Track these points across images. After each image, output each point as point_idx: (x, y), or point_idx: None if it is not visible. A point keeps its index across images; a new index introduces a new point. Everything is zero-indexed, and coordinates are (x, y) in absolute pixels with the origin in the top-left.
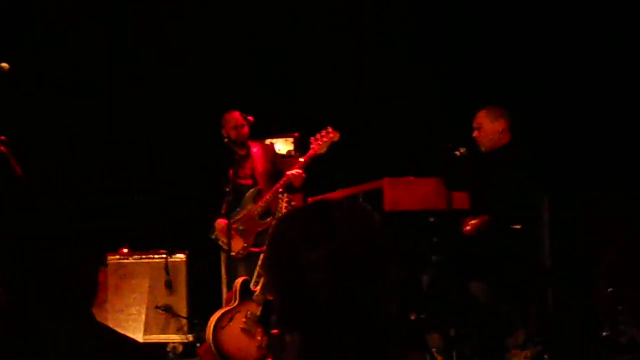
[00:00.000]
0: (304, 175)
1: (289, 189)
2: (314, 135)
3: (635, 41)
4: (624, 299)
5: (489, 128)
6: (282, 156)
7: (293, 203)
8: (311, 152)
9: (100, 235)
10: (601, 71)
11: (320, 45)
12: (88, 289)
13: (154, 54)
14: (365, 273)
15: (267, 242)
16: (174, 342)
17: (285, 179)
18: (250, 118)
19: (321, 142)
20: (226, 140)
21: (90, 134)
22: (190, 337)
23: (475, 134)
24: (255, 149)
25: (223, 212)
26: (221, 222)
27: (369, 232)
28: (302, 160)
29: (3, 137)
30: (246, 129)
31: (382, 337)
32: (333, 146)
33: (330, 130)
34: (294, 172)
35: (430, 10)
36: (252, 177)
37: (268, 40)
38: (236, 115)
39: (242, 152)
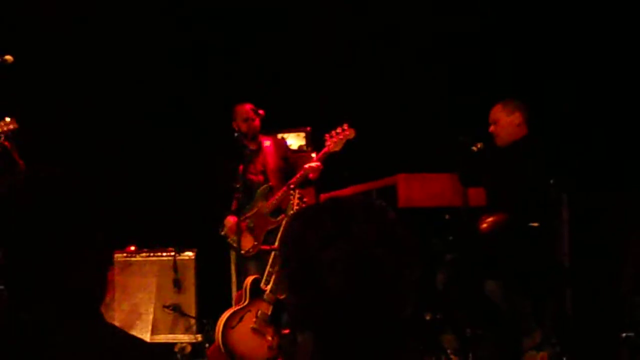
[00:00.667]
0: (322, 167)
1: (301, 185)
2: (326, 129)
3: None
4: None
5: (505, 122)
6: (294, 151)
7: (305, 199)
8: (326, 149)
9: (108, 232)
10: (621, 68)
11: (333, 39)
12: (95, 287)
13: (164, 45)
14: (381, 272)
15: (279, 240)
16: (182, 342)
17: (302, 172)
18: (261, 112)
19: (336, 139)
20: (236, 134)
21: (97, 128)
22: (199, 337)
23: (492, 128)
24: (267, 143)
25: (233, 208)
26: (231, 220)
27: (385, 230)
28: (314, 156)
29: (13, 124)
30: (257, 122)
31: (396, 337)
32: (346, 143)
33: (346, 127)
34: (312, 164)
35: (444, 3)
36: (263, 172)
37: (280, 33)
38: (247, 107)
39: (253, 147)
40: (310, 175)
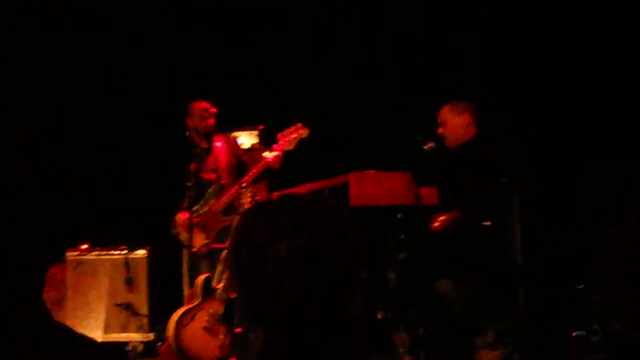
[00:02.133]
0: (281, 155)
1: (253, 181)
2: (279, 127)
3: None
4: (598, 297)
5: (453, 123)
6: (247, 150)
7: (257, 198)
8: (278, 147)
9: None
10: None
11: (286, 37)
12: None
13: (116, 42)
14: (331, 270)
15: (231, 236)
16: (134, 341)
17: (255, 169)
18: (214, 110)
19: (289, 137)
20: (188, 132)
21: (46, 126)
22: (151, 336)
23: (440, 130)
24: (218, 142)
25: (184, 207)
26: (182, 217)
27: (337, 228)
28: (267, 154)
29: None
30: (212, 120)
31: (347, 336)
32: (299, 142)
33: (299, 126)
34: (273, 153)
35: (396, 4)
36: (215, 171)
37: (233, 31)
38: (203, 105)
39: (204, 145)
40: (274, 166)
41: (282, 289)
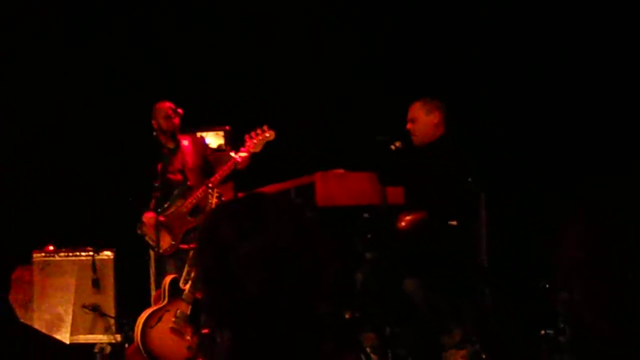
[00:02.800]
0: (249, 157)
1: (222, 182)
2: (245, 127)
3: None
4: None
5: (424, 121)
6: (213, 150)
7: (223, 199)
8: (245, 149)
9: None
10: (540, 69)
11: (253, 38)
12: None
13: (79, 44)
14: (297, 270)
15: (197, 236)
16: (101, 343)
17: (221, 171)
18: (180, 110)
19: (256, 140)
20: (155, 133)
21: (12, 125)
22: (118, 337)
23: (409, 125)
24: (185, 142)
25: (151, 207)
26: (149, 217)
27: (302, 227)
28: (233, 154)
29: None
30: (177, 120)
31: (314, 335)
32: (266, 144)
33: (265, 128)
34: (240, 154)
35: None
36: (182, 171)
37: (199, 32)
38: (167, 105)
39: (170, 145)
40: (240, 167)
41: (248, 289)
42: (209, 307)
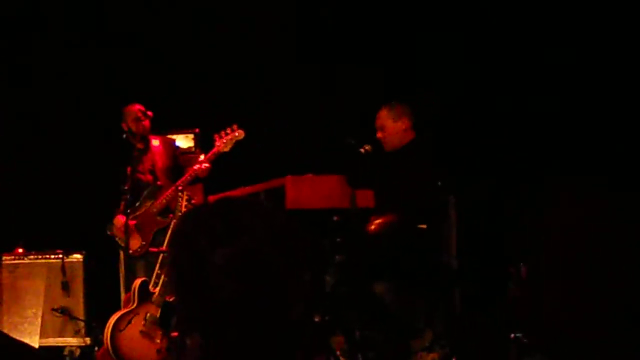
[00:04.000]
0: (210, 167)
1: (190, 184)
2: (215, 130)
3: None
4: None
5: (392, 128)
6: (183, 152)
7: (193, 201)
8: (215, 149)
9: None
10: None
11: (223, 40)
12: None
13: (52, 46)
14: (270, 274)
15: (168, 240)
16: (71, 346)
17: (190, 172)
18: (150, 113)
19: (225, 139)
20: (124, 135)
21: None
22: (88, 340)
23: (379, 134)
24: (155, 142)
25: (121, 209)
26: (120, 219)
27: (276, 232)
28: (203, 157)
29: None
30: (147, 123)
31: (285, 339)
32: (235, 143)
33: (235, 128)
34: (201, 165)
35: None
36: (152, 172)
37: (169, 34)
38: (136, 107)
39: (140, 146)
40: (200, 176)
41: (220, 292)
42: (180, 310)
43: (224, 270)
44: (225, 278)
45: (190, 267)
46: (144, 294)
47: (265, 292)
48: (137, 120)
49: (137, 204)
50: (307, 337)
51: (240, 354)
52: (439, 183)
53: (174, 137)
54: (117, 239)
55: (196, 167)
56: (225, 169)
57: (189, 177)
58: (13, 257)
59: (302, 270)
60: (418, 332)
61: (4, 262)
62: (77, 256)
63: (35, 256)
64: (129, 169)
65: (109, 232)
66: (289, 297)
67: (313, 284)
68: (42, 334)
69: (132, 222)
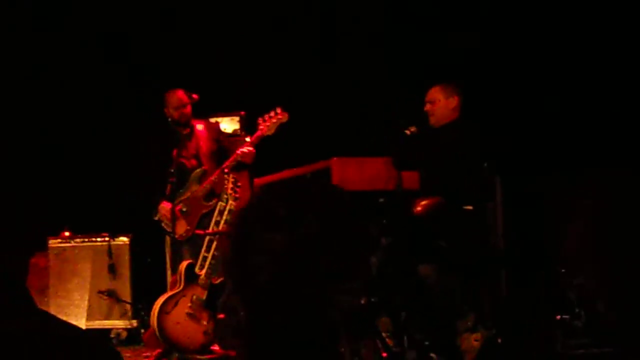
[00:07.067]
0: (254, 152)
1: (235, 169)
2: (260, 113)
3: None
4: (580, 281)
5: (442, 104)
6: (228, 135)
7: (239, 184)
8: (259, 132)
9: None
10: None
11: (267, 22)
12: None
13: (91, 34)
14: (325, 261)
15: (230, 222)
16: (117, 328)
17: (234, 156)
18: (195, 96)
19: (269, 122)
20: (170, 119)
21: (29, 113)
22: (135, 323)
23: (427, 107)
24: (199, 126)
25: (167, 193)
26: (165, 206)
27: (336, 223)
28: (248, 140)
29: None
30: (189, 109)
31: (331, 324)
32: (279, 127)
33: (279, 111)
34: (244, 149)
35: None
36: (196, 157)
37: (214, 18)
38: (178, 95)
39: (185, 131)
40: (244, 160)
41: (272, 277)
42: (230, 292)
43: (274, 254)
44: (271, 262)
45: (245, 249)
46: (191, 277)
47: (316, 279)
48: (178, 108)
49: (182, 189)
50: (354, 320)
51: (285, 337)
52: (485, 164)
53: (219, 120)
54: (163, 224)
55: (239, 151)
56: (270, 152)
57: (234, 161)
58: (59, 240)
59: (359, 258)
60: (462, 313)
61: (50, 246)
62: (124, 239)
63: (82, 239)
64: (174, 151)
65: (155, 218)
66: (342, 283)
67: (366, 272)
68: (89, 317)
69: (177, 208)
